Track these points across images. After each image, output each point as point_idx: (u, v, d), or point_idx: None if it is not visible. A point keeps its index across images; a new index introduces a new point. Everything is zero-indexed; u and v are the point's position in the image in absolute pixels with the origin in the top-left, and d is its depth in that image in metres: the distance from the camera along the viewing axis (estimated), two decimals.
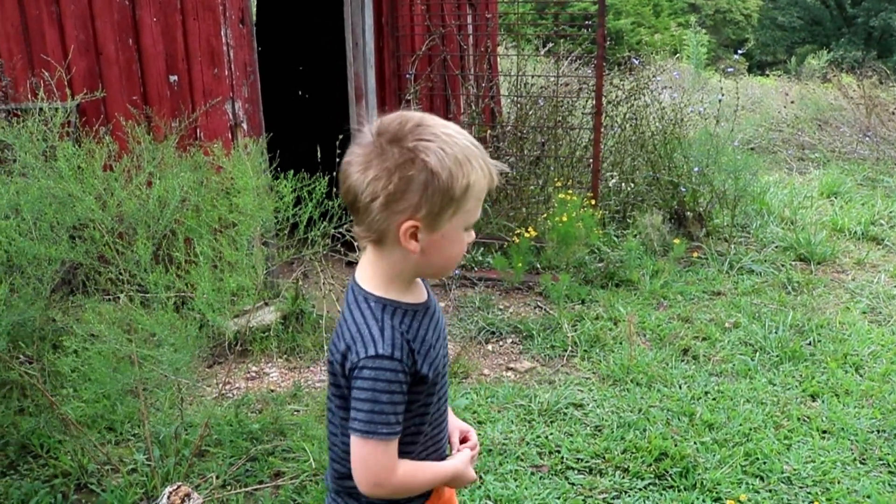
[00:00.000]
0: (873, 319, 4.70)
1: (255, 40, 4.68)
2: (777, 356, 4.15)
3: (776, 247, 5.90)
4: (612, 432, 3.39)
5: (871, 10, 28.12)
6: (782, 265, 5.60)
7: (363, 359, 1.43)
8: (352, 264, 4.67)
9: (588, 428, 3.46)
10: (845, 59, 21.44)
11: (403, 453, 1.51)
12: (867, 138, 10.21)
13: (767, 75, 21.50)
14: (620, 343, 4.30)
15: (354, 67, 5.65)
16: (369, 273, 1.52)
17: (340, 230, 4.08)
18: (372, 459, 1.45)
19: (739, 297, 5.03)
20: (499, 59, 7.41)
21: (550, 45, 8.13)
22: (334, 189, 4.07)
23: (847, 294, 5.12)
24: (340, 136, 4.95)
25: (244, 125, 4.52)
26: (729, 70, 13.95)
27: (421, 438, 1.58)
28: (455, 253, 1.51)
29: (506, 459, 3.21)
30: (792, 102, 12.04)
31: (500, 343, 4.49)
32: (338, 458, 1.60)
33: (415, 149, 1.40)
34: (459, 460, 1.64)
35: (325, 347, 4.16)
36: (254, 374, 4.05)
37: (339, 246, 3.91)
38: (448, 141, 1.42)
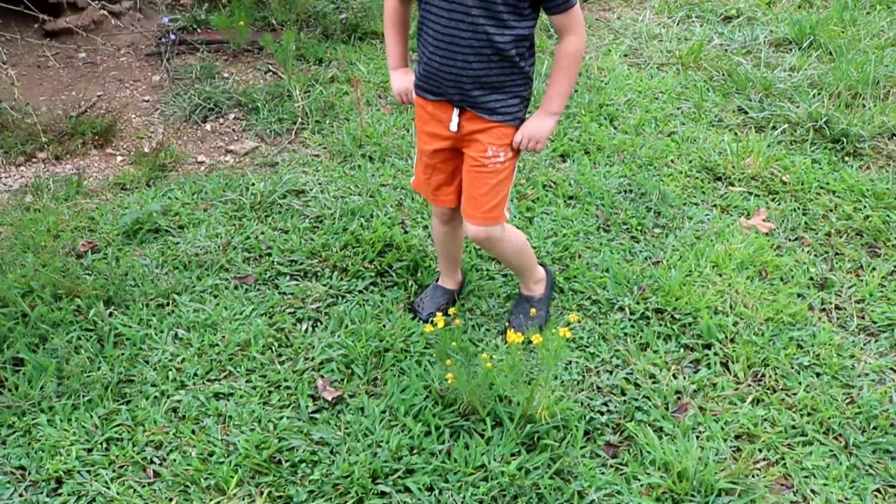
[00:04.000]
0: (633, 63, 4.36)
1: None
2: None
3: None
4: (334, 223, 2.90)
5: None
6: None
7: None
8: (53, 34, 3.68)
9: (307, 221, 2.94)
10: None
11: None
12: None
13: None
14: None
15: None
16: None
17: None
18: None
19: None
20: None
21: None
22: None
23: (611, 34, 4.73)
24: None
25: None
26: None
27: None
28: None
29: (205, 273, 2.67)
30: None
31: (221, 121, 3.79)
32: None
33: None
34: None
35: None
36: None
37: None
38: None
